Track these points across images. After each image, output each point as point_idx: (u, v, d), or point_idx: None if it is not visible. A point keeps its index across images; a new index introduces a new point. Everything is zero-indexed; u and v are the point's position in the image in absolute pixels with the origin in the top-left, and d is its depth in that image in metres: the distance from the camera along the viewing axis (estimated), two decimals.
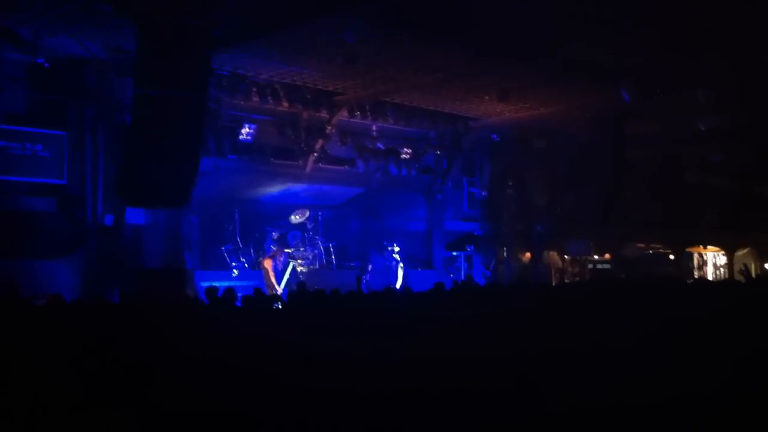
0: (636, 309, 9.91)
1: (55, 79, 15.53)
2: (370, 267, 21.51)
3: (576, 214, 22.36)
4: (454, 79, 17.88)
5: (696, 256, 30.43)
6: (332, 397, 5.75)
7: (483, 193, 23.88)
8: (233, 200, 20.27)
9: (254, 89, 17.84)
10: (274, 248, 19.72)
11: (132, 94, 13.22)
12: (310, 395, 5.77)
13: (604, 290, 13.26)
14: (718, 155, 24.00)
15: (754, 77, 16.97)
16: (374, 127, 21.36)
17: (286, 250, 20.02)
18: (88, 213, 15.96)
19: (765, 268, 29.40)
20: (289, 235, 20.63)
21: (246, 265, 19.80)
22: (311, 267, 20.41)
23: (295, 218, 21.10)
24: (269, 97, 18.14)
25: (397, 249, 21.83)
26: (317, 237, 21.10)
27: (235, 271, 19.12)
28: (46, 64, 14.95)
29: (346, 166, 21.16)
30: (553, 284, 22.02)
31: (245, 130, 18.57)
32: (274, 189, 21.20)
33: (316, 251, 20.80)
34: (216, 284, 13.20)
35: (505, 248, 23.48)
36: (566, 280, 23.83)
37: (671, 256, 27.81)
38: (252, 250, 20.12)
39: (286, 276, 19.46)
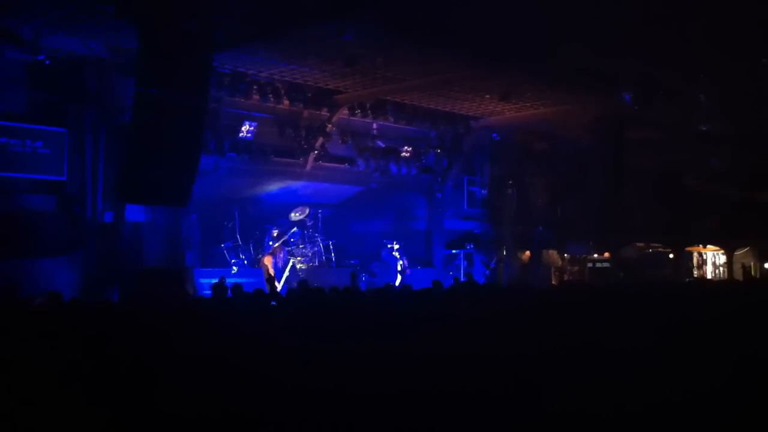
0: (634, 312, 9.95)
1: (55, 79, 15.52)
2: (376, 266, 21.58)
3: (576, 218, 22.38)
4: (454, 82, 17.92)
5: (695, 255, 30.47)
6: (331, 397, 5.78)
7: (483, 193, 23.92)
8: (233, 198, 20.28)
9: (255, 87, 17.83)
10: (273, 245, 19.75)
11: (132, 94, 13.23)
12: (309, 394, 5.80)
13: (603, 293, 13.30)
14: (719, 161, 24.07)
15: (756, 82, 17.00)
16: (375, 126, 21.36)
17: (286, 248, 20.05)
18: (88, 212, 15.97)
19: (765, 268, 29.44)
20: (289, 233, 20.66)
21: (245, 262, 19.83)
22: (311, 264, 20.44)
23: (295, 216, 21.11)
24: (270, 96, 18.13)
25: (396, 247, 21.86)
26: (317, 235, 21.12)
27: (234, 268, 19.15)
28: (47, 61, 14.94)
29: (346, 165, 21.16)
30: (553, 284, 22.09)
31: (245, 128, 18.54)
32: (274, 187, 21.22)
33: (315, 249, 20.82)
34: (216, 281, 13.28)
35: (504, 248, 23.52)
36: (565, 279, 23.87)
37: (671, 256, 27.85)
38: (252, 248, 20.16)
39: (286, 273, 19.49)
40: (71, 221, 15.85)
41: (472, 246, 23.41)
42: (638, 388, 6.25)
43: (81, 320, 8.42)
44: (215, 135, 17.77)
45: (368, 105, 19.98)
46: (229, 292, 11.08)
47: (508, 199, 23.72)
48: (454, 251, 23.54)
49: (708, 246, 29.69)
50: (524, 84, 17.89)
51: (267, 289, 15.41)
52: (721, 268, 30.52)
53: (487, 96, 19.40)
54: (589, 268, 24.98)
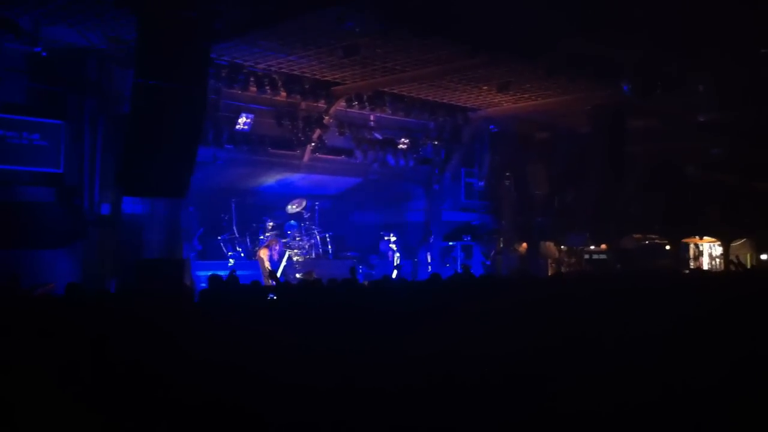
0: (635, 304, 9.96)
1: (55, 69, 15.50)
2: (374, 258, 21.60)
3: (574, 208, 22.40)
4: (452, 73, 17.91)
5: (692, 246, 30.50)
6: (330, 394, 5.78)
7: (481, 184, 23.92)
8: (230, 190, 20.24)
9: (252, 79, 17.79)
10: (269, 237, 19.73)
11: (131, 84, 13.20)
12: (308, 391, 5.80)
13: (604, 285, 13.30)
14: (718, 150, 24.08)
15: (755, 72, 17.01)
16: (372, 118, 21.35)
17: (282, 240, 20.04)
18: (86, 203, 15.95)
19: (761, 259, 29.49)
20: (286, 225, 20.66)
21: (242, 254, 19.83)
22: (308, 257, 20.43)
23: (292, 208, 21.11)
24: (267, 87, 18.08)
25: (393, 239, 21.87)
26: (314, 227, 21.10)
27: (231, 260, 19.14)
28: (44, 53, 14.89)
29: (343, 157, 21.14)
30: (549, 275, 22.11)
31: (243, 119, 18.51)
32: (272, 179, 21.20)
33: (312, 241, 20.80)
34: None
35: (503, 239, 23.54)
36: (563, 270, 23.90)
37: (668, 247, 27.87)
38: (248, 240, 20.15)
39: (282, 265, 19.48)
40: (70, 213, 15.83)
41: (469, 237, 23.42)
42: (638, 382, 6.28)
43: (79, 313, 8.40)
44: (213, 126, 17.77)
45: (366, 96, 19.94)
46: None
47: (507, 190, 23.75)
48: (451, 243, 23.54)
49: (705, 237, 29.73)
50: (523, 74, 17.85)
51: (264, 282, 15.47)
52: (718, 260, 30.57)
53: (486, 87, 19.39)
54: (587, 259, 25.00)
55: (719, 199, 26.45)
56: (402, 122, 21.77)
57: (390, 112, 20.79)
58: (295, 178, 21.24)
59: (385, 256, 21.72)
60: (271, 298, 10.82)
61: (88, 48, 15.47)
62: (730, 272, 21.46)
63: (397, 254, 21.66)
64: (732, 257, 27.62)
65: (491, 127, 23.39)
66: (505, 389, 6.13)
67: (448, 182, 23.40)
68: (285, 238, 20.24)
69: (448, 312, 9.25)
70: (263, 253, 19.21)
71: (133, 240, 16.15)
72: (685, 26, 14.55)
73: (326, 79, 18.77)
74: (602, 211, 20.65)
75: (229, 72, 17.26)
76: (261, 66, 17.64)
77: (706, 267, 30.23)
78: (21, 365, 6.03)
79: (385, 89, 19.84)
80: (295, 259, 19.98)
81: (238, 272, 16.77)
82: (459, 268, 22.29)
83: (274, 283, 18.01)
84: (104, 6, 13.58)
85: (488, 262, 23.18)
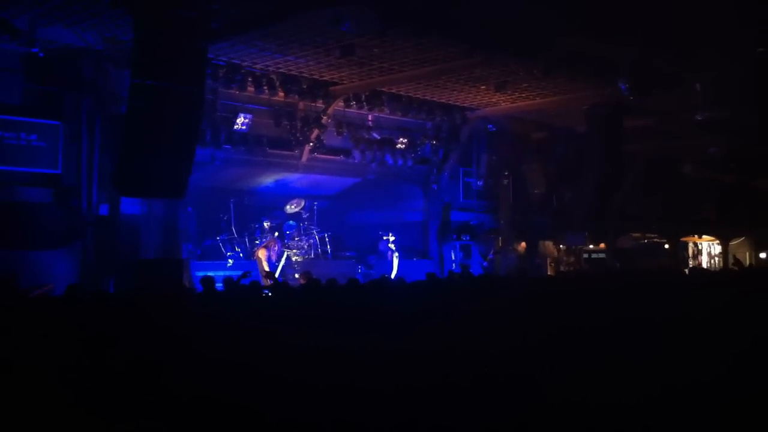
0: (631, 302, 9.97)
1: (51, 70, 15.52)
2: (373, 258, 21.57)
3: (572, 207, 22.39)
4: (449, 72, 17.90)
5: (691, 245, 30.53)
6: (329, 392, 5.78)
7: (479, 184, 23.92)
8: (229, 190, 20.23)
9: (250, 79, 17.78)
10: (268, 238, 19.71)
11: (129, 85, 13.18)
12: (307, 389, 5.80)
13: (601, 283, 13.30)
14: (715, 149, 24.09)
15: (752, 70, 17.00)
16: (370, 117, 21.33)
17: (281, 240, 20.02)
18: (84, 204, 15.95)
19: (760, 258, 29.52)
20: (285, 225, 20.63)
21: (241, 254, 19.80)
22: (306, 257, 20.41)
23: (291, 208, 21.09)
24: (265, 87, 18.07)
25: (392, 238, 21.84)
26: (312, 227, 21.07)
27: (230, 260, 19.12)
28: (41, 54, 14.88)
29: (341, 157, 21.12)
30: (549, 274, 22.12)
31: (241, 120, 18.49)
32: (270, 179, 21.19)
33: (311, 241, 20.76)
34: (211, 274, 13.26)
35: (501, 238, 23.54)
36: (562, 269, 23.92)
37: (666, 246, 27.91)
38: (247, 240, 20.13)
39: (281, 265, 19.45)
40: (68, 213, 15.83)
41: (468, 237, 23.40)
42: (634, 379, 6.28)
43: (78, 313, 8.40)
44: (211, 127, 17.75)
45: (364, 96, 19.93)
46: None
47: (505, 190, 23.75)
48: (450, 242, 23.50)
49: (704, 236, 29.77)
50: (520, 74, 17.84)
51: (262, 283, 15.43)
52: (717, 258, 30.61)
53: (483, 86, 19.37)
54: (585, 258, 25.02)
55: (716, 198, 26.50)
56: (400, 122, 21.76)
57: (388, 111, 20.78)
58: (293, 178, 21.23)
59: (383, 256, 21.68)
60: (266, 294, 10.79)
61: (84, 48, 15.46)
62: (729, 270, 21.50)
63: (396, 254, 21.63)
64: (731, 256, 27.70)
65: (489, 126, 23.38)
66: (502, 386, 6.13)
67: (446, 182, 23.38)
68: (284, 238, 20.21)
69: (447, 312, 9.27)
70: (261, 254, 19.17)
71: (130, 241, 16.13)
72: (681, 26, 14.54)
73: (324, 79, 18.75)
74: (600, 210, 20.63)
75: (226, 72, 17.24)
76: (259, 66, 17.62)
77: (705, 265, 30.27)
78: (20, 365, 6.03)
79: (383, 89, 19.82)
80: (294, 259, 19.96)
81: (237, 273, 16.83)
82: (458, 267, 22.29)
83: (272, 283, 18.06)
84: (100, 6, 13.57)
85: (485, 264, 23.15)
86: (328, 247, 21.06)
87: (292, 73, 18.23)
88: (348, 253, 21.70)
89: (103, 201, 16.04)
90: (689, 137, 23.17)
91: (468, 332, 7.75)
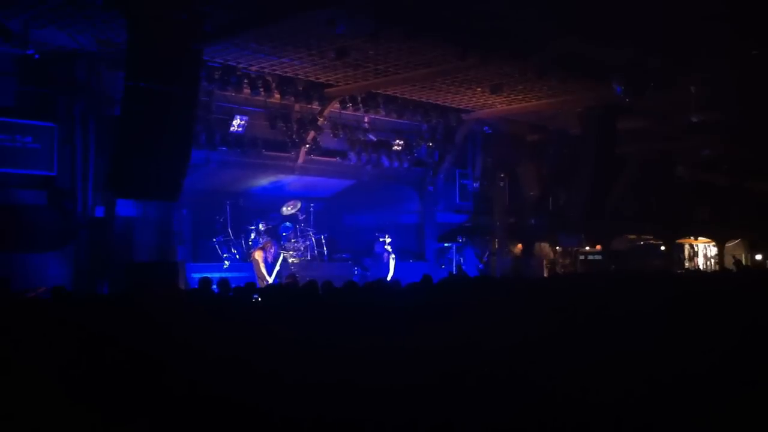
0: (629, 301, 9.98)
1: (45, 72, 15.50)
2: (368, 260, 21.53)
3: (568, 208, 22.40)
4: (444, 74, 17.90)
5: (687, 247, 30.57)
6: (328, 391, 5.77)
7: (475, 186, 23.93)
8: (224, 193, 20.22)
9: (245, 81, 17.75)
10: (261, 240, 19.69)
11: (122, 87, 13.17)
12: (306, 388, 5.79)
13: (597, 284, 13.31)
14: (710, 151, 24.12)
15: (746, 73, 17.03)
16: (366, 119, 21.34)
17: (277, 242, 19.99)
18: (78, 206, 15.91)
19: (756, 259, 29.56)
20: (281, 227, 20.61)
21: (237, 256, 19.79)
22: (303, 258, 20.40)
23: (287, 210, 21.06)
24: (261, 89, 18.05)
25: (388, 240, 21.82)
26: (309, 228, 21.06)
27: (226, 263, 19.11)
28: (36, 56, 14.87)
29: (337, 159, 21.11)
30: (545, 276, 22.11)
31: (236, 122, 18.48)
32: (266, 181, 21.19)
33: (307, 243, 20.76)
34: (208, 275, 13.23)
35: (497, 240, 23.53)
36: (557, 271, 23.91)
37: (662, 248, 27.94)
38: (243, 242, 20.11)
39: (277, 267, 19.42)
40: (62, 215, 15.80)
41: (463, 239, 23.40)
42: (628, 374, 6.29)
43: (73, 314, 8.38)
44: (206, 129, 17.73)
45: (359, 98, 19.93)
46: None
47: (500, 191, 23.77)
48: (446, 244, 23.50)
49: (699, 238, 29.80)
50: (514, 76, 17.84)
51: (259, 284, 15.42)
52: (713, 260, 30.64)
53: (478, 88, 19.39)
54: (581, 260, 25.02)
55: (710, 200, 26.54)
56: (396, 124, 21.77)
57: (384, 113, 20.77)
58: (289, 180, 21.23)
59: (379, 257, 21.66)
60: (255, 299, 10.76)
61: (78, 50, 15.44)
62: (726, 270, 21.52)
63: (393, 256, 21.61)
64: (730, 256, 27.75)
65: (485, 128, 23.41)
66: (502, 384, 6.14)
67: (442, 184, 23.39)
68: (280, 240, 20.19)
69: (446, 311, 9.27)
70: (258, 255, 19.15)
71: (124, 243, 16.11)
72: (674, 28, 14.56)
73: (320, 80, 18.74)
74: (595, 211, 20.63)
75: (222, 74, 17.21)
76: (254, 68, 17.61)
77: (701, 267, 30.33)
78: (16, 365, 6.02)
79: (379, 91, 19.82)
80: (290, 261, 19.95)
81: (233, 275, 16.85)
82: (453, 269, 22.30)
83: (267, 283, 18.06)
84: (94, 8, 13.55)
85: (481, 266, 23.14)
86: (324, 248, 21.05)
87: (288, 74, 18.22)
88: (344, 255, 21.69)
89: (98, 203, 16.01)
90: (683, 139, 23.20)
91: (467, 332, 7.75)
